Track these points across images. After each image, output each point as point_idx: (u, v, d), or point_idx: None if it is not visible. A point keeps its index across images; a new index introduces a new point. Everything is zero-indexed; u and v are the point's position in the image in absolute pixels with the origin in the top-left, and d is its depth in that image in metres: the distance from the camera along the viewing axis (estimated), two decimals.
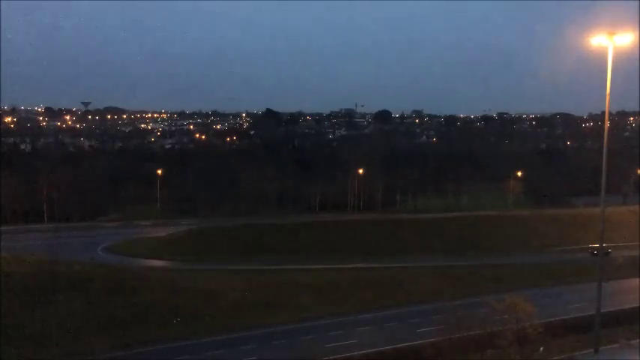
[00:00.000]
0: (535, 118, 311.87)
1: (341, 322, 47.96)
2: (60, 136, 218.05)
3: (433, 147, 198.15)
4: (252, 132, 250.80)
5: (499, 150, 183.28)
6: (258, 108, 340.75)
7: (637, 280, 57.24)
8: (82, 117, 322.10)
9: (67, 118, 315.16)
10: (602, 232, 34.52)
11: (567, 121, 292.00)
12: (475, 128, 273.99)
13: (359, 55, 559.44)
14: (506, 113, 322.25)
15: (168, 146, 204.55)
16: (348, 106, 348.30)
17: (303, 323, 47.70)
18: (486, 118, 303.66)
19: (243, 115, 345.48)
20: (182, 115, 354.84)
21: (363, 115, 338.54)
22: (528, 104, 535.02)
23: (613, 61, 31.28)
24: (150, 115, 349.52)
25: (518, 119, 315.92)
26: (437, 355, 36.52)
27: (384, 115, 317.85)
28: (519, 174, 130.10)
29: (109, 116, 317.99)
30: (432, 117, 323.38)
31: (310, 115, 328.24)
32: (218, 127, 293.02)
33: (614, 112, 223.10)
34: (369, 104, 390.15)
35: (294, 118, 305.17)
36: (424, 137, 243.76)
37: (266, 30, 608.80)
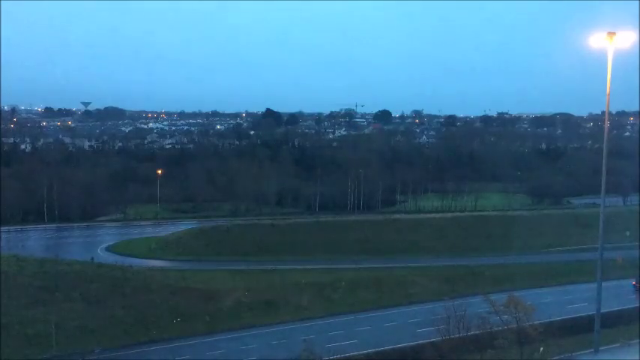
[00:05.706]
0: (535, 118, 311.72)
1: (341, 322, 48.01)
2: (60, 136, 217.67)
3: (433, 147, 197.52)
4: (252, 132, 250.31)
5: (499, 150, 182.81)
6: (258, 108, 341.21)
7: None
8: (82, 117, 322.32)
9: (67, 118, 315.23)
10: (602, 232, 34.41)
11: (567, 121, 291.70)
12: (475, 128, 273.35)
13: (359, 55, 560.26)
14: (506, 113, 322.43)
15: (168, 146, 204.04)
16: (348, 106, 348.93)
17: (303, 323, 47.78)
18: (486, 118, 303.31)
19: (243, 115, 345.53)
20: (182, 115, 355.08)
21: (363, 115, 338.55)
22: (528, 104, 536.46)
23: (613, 61, 31.20)
24: (150, 115, 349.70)
25: (518, 119, 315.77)
26: (437, 355, 36.52)
27: (384, 115, 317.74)
28: (519, 174, 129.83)
29: (109, 116, 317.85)
30: (431, 117, 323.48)
31: (310, 115, 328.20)
32: (218, 127, 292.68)
33: (614, 112, 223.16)
34: (369, 104, 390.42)
35: (294, 118, 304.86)
36: (424, 137, 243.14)
37: (267, 31, 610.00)
